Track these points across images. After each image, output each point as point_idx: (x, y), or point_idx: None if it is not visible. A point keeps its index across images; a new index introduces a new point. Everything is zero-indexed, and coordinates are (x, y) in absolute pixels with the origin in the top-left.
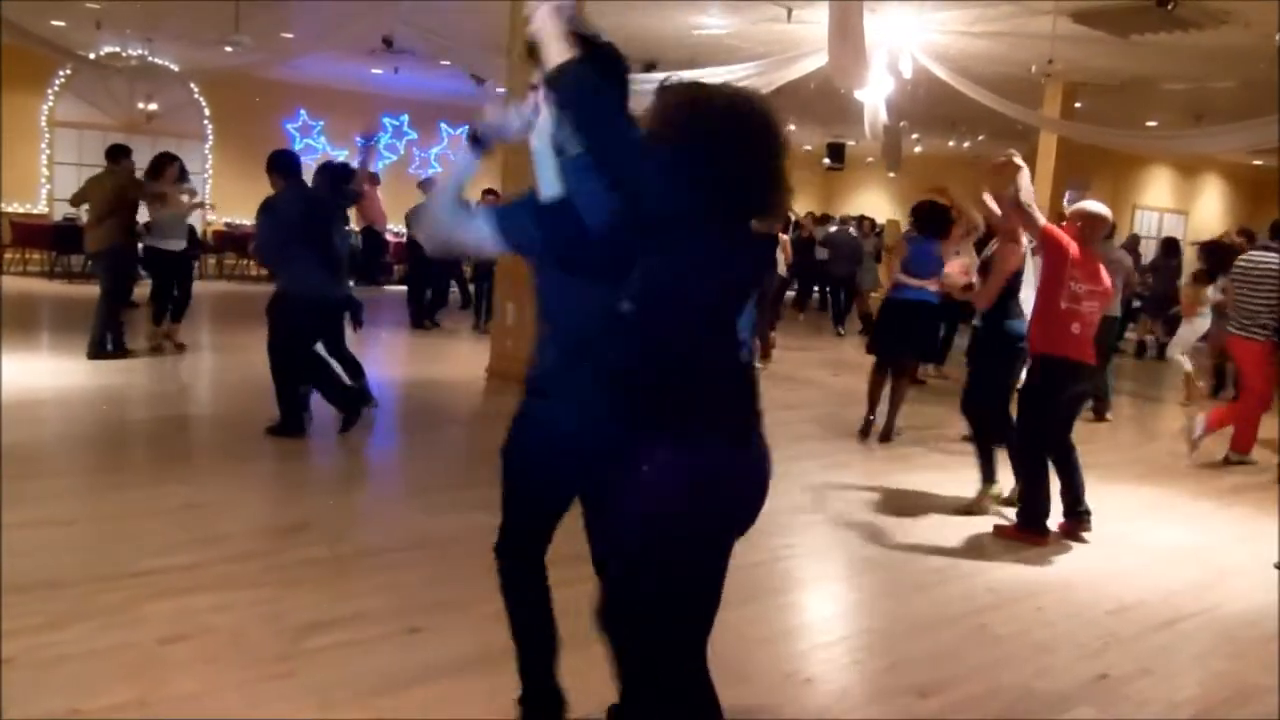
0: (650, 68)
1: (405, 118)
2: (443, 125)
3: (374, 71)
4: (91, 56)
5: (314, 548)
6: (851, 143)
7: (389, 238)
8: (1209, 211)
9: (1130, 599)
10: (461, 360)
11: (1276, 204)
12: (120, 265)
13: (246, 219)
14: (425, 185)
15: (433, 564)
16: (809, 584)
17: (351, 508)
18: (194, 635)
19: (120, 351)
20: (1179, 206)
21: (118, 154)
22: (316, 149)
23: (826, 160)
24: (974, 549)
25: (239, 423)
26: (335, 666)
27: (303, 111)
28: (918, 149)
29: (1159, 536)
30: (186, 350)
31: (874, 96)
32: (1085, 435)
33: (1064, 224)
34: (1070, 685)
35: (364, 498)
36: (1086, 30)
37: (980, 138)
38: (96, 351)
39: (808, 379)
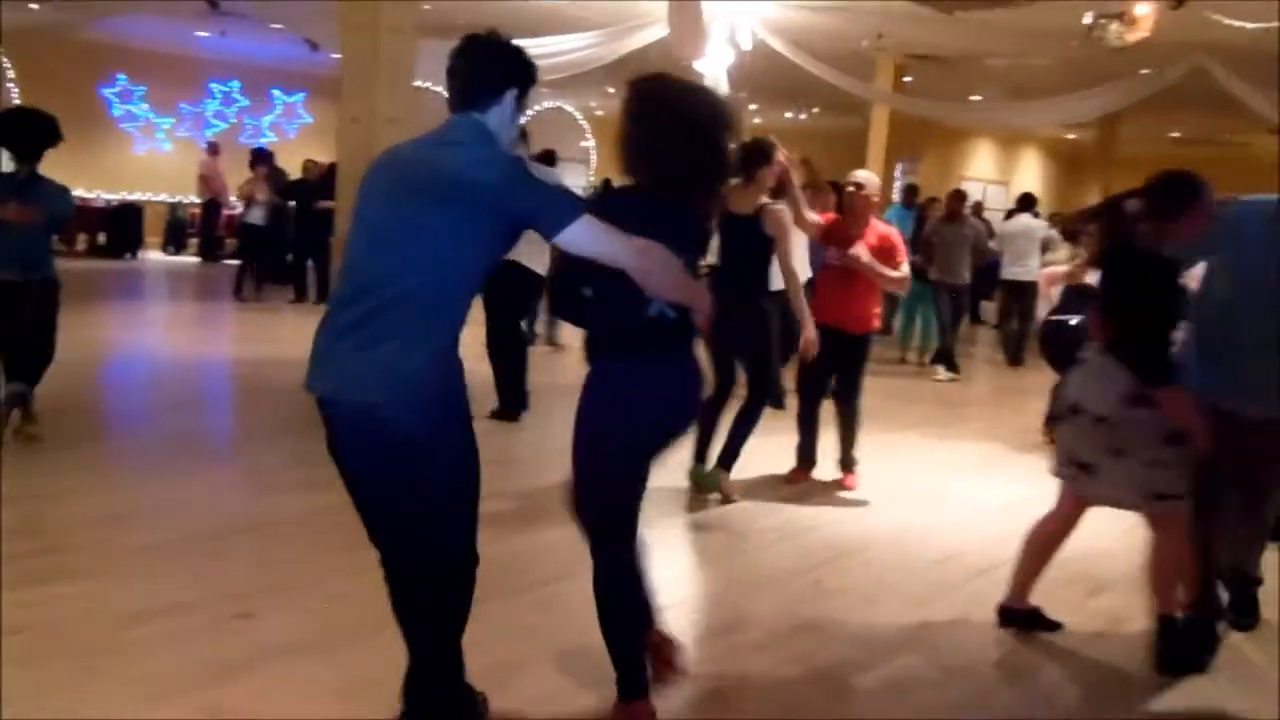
0: None
1: (235, 84)
2: (276, 92)
3: (199, 34)
4: None
5: (136, 536)
6: None
7: (225, 212)
8: (1028, 183)
9: (954, 549)
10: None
11: (1091, 176)
12: None
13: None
14: (260, 157)
15: (264, 547)
16: (648, 548)
17: (176, 494)
18: (12, 631)
19: None
20: (1001, 178)
21: None
22: (138, 117)
23: None
24: (811, 507)
25: (57, 407)
26: (162, 655)
27: (122, 76)
28: (756, 120)
29: (986, 490)
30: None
31: (713, 68)
32: (928, 395)
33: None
34: (896, 633)
35: (189, 482)
36: (914, 6)
37: (816, 110)
38: None
39: None
